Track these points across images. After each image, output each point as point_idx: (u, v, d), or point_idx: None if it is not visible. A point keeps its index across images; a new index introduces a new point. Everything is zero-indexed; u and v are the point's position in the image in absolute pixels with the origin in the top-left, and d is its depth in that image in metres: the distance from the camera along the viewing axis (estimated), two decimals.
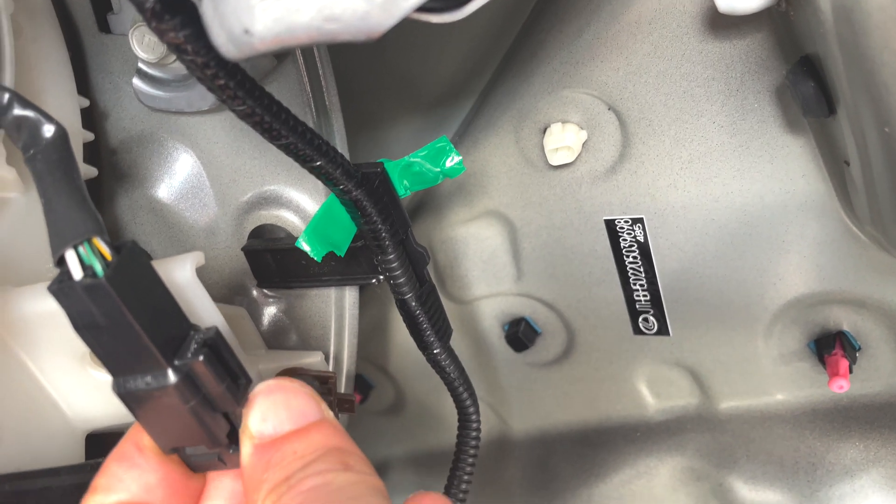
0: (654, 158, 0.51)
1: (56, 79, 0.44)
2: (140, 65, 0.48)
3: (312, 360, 0.49)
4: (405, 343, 0.71)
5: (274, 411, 0.30)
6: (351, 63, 0.58)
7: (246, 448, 0.29)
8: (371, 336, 0.72)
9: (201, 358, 0.31)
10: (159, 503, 0.32)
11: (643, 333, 0.61)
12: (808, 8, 0.35)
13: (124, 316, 0.29)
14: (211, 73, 0.33)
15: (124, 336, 0.30)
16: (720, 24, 0.43)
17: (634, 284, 0.58)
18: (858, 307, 0.53)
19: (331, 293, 0.54)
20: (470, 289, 0.64)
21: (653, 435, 0.66)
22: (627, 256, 0.56)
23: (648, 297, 0.58)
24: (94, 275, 0.29)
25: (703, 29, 0.44)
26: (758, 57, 0.44)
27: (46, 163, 0.31)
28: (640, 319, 0.60)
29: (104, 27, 0.48)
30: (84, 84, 0.49)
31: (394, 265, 0.46)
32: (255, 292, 0.54)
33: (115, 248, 0.30)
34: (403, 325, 0.69)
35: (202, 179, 0.52)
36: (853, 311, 0.53)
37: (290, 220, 0.52)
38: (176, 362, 0.31)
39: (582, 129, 0.51)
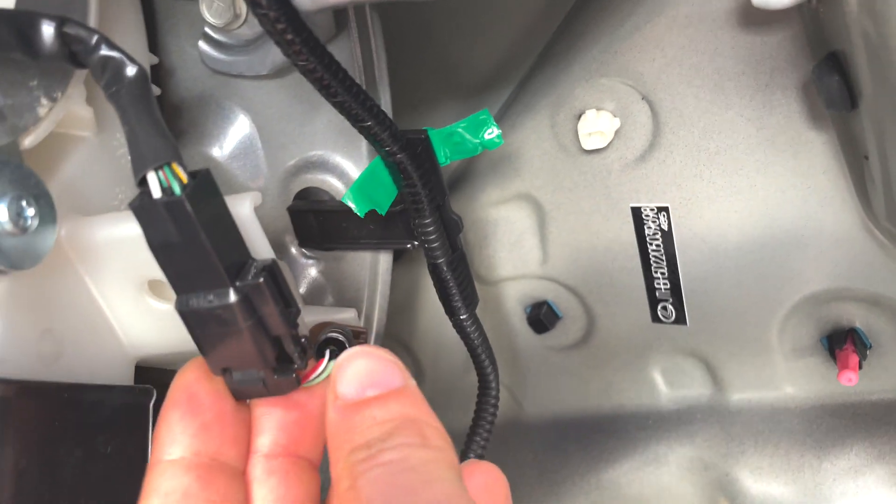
0: (682, 149, 0.53)
1: (130, 34, 0.48)
2: (206, 29, 0.52)
3: (346, 315, 0.52)
4: (430, 321, 0.73)
5: (357, 376, 0.31)
6: (399, 46, 0.61)
7: (330, 409, 0.30)
8: (396, 313, 0.75)
9: (261, 280, 0.34)
10: (216, 439, 0.33)
11: (661, 322, 0.63)
12: (836, 4, 0.37)
13: (197, 233, 0.33)
14: (281, 28, 0.36)
15: (194, 254, 0.34)
16: (753, 21, 0.46)
17: (656, 273, 0.60)
18: (872, 305, 0.55)
19: (366, 257, 0.57)
20: (496, 269, 0.67)
21: (664, 423, 0.68)
22: (651, 244, 0.59)
23: (668, 286, 0.60)
24: (173, 193, 0.32)
25: (736, 24, 0.47)
26: (787, 54, 0.46)
27: (130, 97, 0.34)
28: (660, 307, 0.62)
29: None
30: (153, 43, 0.53)
31: (430, 229, 0.49)
32: (294, 251, 0.57)
33: (191, 173, 0.33)
34: (428, 303, 0.72)
35: (255, 141, 0.55)
36: (867, 309, 0.55)
37: (334, 184, 0.55)
38: (237, 283, 0.35)
39: (615, 116, 0.54)
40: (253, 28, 0.51)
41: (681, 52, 0.49)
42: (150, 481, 0.31)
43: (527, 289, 0.68)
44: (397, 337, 0.77)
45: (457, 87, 0.64)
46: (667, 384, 0.67)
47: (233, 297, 0.34)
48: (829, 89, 0.41)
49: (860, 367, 0.55)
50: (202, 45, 0.52)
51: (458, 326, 0.54)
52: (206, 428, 0.34)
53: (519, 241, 0.65)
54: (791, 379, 0.60)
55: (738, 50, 0.48)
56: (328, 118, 0.54)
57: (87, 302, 0.41)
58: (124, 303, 0.42)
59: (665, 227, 0.57)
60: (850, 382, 0.54)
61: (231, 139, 0.55)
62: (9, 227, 0.33)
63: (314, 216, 0.55)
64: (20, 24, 0.34)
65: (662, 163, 0.54)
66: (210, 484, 0.31)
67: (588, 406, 0.72)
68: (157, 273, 0.40)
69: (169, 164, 0.33)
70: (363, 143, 0.54)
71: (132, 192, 0.46)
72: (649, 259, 0.60)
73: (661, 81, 0.51)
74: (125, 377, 0.44)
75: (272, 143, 0.55)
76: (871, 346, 0.56)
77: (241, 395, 0.37)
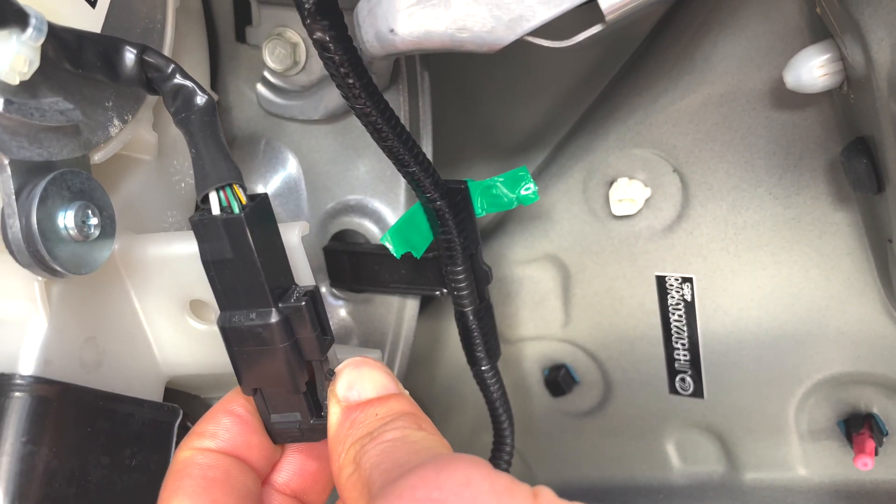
0: (710, 221, 0.55)
1: (195, 70, 0.51)
2: (265, 73, 0.55)
3: (371, 356, 0.53)
4: (445, 378, 0.74)
5: (359, 381, 0.35)
6: (443, 104, 0.64)
7: (334, 410, 0.34)
8: (413, 366, 0.75)
9: (303, 304, 0.36)
10: (250, 460, 0.36)
11: (678, 393, 0.63)
12: (866, 90, 0.40)
13: (251, 252, 0.34)
14: (344, 71, 0.39)
15: (244, 272, 0.35)
16: (786, 103, 0.48)
17: (676, 343, 0.61)
18: (891, 392, 0.55)
19: (393, 302, 0.58)
20: (517, 328, 0.68)
21: (675, 499, 0.68)
22: (673, 314, 0.60)
23: (688, 357, 0.61)
24: (232, 212, 0.34)
25: (770, 105, 0.49)
26: (817, 136, 0.48)
27: (199, 123, 0.37)
28: (678, 379, 0.63)
29: (241, 37, 0.55)
30: (214, 82, 0.56)
31: (460, 276, 0.50)
32: (324, 291, 0.59)
33: (250, 196, 0.36)
34: (445, 359, 0.73)
35: (299, 181, 0.57)
36: (885, 396, 0.55)
37: (370, 228, 0.57)
38: (280, 305, 0.36)
39: (647, 186, 0.56)
40: (309, 75, 0.54)
41: (714, 129, 0.52)
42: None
43: (546, 350, 0.68)
44: (412, 391, 0.78)
45: (494, 147, 0.67)
46: (680, 458, 0.67)
47: (275, 317, 0.36)
48: (857, 171, 0.43)
49: (875, 454, 0.55)
50: (260, 87, 0.55)
51: (479, 377, 0.55)
52: (248, 447, 0.36)
53: (542, 301, 0.66)
54: (806, 461, 0.60)
55: (771, 130, 0.50)
56: (370, 165, 0.57)
57: (130, 316, 0.43)
58: (164, 321, 0.43)
59: (688, 297, 0.58)
60: (865, 467, 0.53)
61: (277, 178, 0.58)
62: (73, 232, 0.35)
63: (348, 257, 0.57)
64: (106, 48, 0.37)
65: (690, 234, 0.56)
66: None
67: (599, 475, 0.72)
68: (199, 294, 0.43)
69: (230, 185, 0.35)
70: (401, 191, 0.57)
71: (183, 216, 0.49)
72: (671, 329, 0.61)
73: (693, 155, 0.53)
74: (156, 394, 0.45)
75: (315, 185, 0.57)
76: (887, 434, 0.56)
77: (279, 437, 0.39)
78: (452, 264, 0.50)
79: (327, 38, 0.37)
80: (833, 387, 0.57)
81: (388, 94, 0.54)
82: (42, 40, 0.33)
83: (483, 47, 0.33)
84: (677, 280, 0.58)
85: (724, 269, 0.56)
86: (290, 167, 0.58)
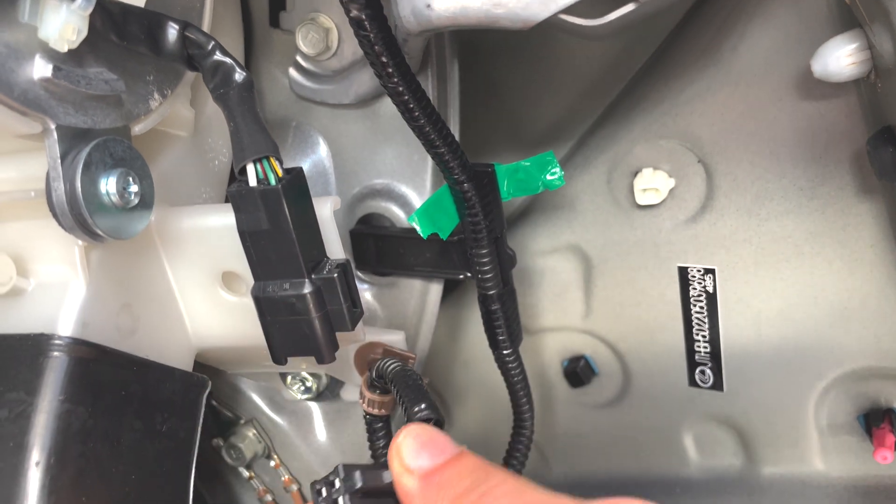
0: (733, 212, 0.55)
1: (232, 51, 0.52)
2: (298, 58, 0.56)
3: (394, 337, 0.54)
4: (466, 364, 0.74)
5: (426, 448, 0.35)
6: (470, 93, 0.65)
7: (411, 482, 0.34)
8: (432, 355, 0.76)
9: (336, 276, 0.37)
10: None
11: (698, 386, 0.63)
12: (895, 79, 0.40)
13: (287, 222, 0.35)
14: (378, 49, 0.40)
15: (279, 243, 0.36)
16: (812, 93, 0.49)
17: (697, 335, 0.61)
18: None
19: (417, 286, 0.59)
20: (538, 319, 0.69)
21: (692, 492, 0.68)
22: (695, 306, 0.60)
23: (708, 350, 0.61)
24: (269, 184, 0.35)
25: (796, 96, 0.49)
26: (843, 126, 0.49)
27: (237, 99, 0.38)
28: (697, 371, 0.63)
29: (275, 22, 0.56)
30: (247, 66, 0.57)
31: (485, 259, 0.51)
32: None
33: (286, 169, 0.37)
34: (465, 348, 0.74)
35: (328, 165, 0.58)
36: None
37: (396, 212, 0.58)
38: (313, 276, 0.37)
39: (671, 176, 0.56)
40: (341, 60, 0.55)
41: (740, 119, 0.52)
42: None
43: (566, 341, 0.69)
44: (433, 377, 0.79)
45: (519, 138, 0.67)
46: (698, 451, 0.67)
47: (308, 287, 0.37)
48: (883, 160, 0.43)
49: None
50: (293, 72, 0.56)
51: (501, 361, 0.55)
52: None
53: (563, 292, 0.66)
54: (825, 455, 0.60)
55: (796, 121, 0.50)
56: (398, 150, 0.57)
57: (163, 285, 0.44)
58: (197, 292, 0.44)
59: (710, 289, 0.59)
60: (885, 461, 0.53)
61: (306, 161, 0.59)
62: (115, 198, 0.36)
63: (374, 241, 0.58)
64: (150, 22, 0.38)
65: (713, 225, 0.56)
66: None
67: (615, 467, 0.72)
68: (232, 266, 0.44)
69: (267, 158, 0.36)
70: (428, 176, 0.57)
71: (216, 193, 0.50)
72: (692, 321, 0.61)
73: (718, 146, 0.54)
74: (186, 364, 0.46)
75: (343, 169, 0.58)
76: None
77: None
78: (478, 247, 0.51)
79: (363, 17, 0.38)
80: (854, 381, 0.57)
81: (419, 78, 0.55)
82: (90, 10, 0.34)
83: (517, 23, 0.34)
84: (699, 271, 0.59)
85: (746, 261, 0.56)
86: (320, 150, 0.59)
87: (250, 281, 0.42)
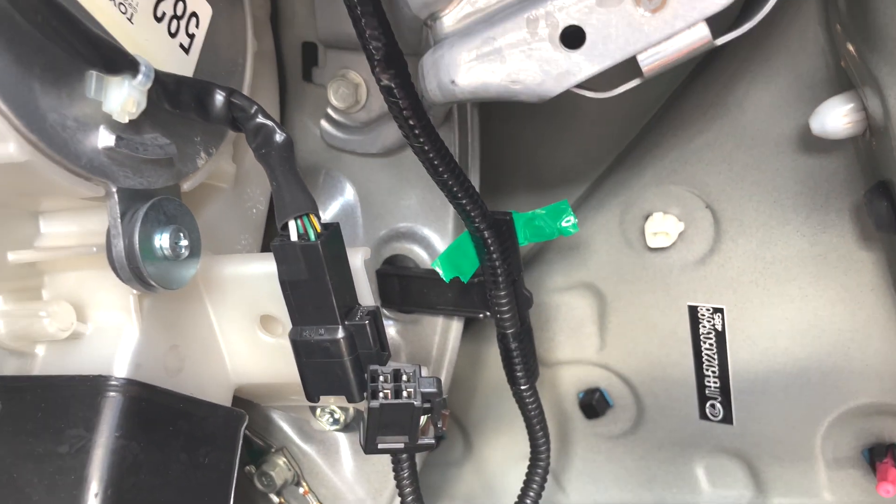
0: (740, 255, 0.58)
1: (267, 108, 0.56)
2: (329, 110, 0.60)
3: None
4: (485, 397, 0.77)
5: None
6: (488, 137, 0.68)
7: None
8: (452, 389, 0.79)
9: (367, 322, 0.40)
10: None
11: (708, 419, 0.66)
12: (886, 137, 0.43)
13: (324, 274, 0.39)
14: (407, 114, 0.43)
15: (317, 292, 0.40)
16: (812, 147, 0.52)
17: (707, 370, 0.64)
18: None
19: (439, 323, 0.62)
20: (554, 352, 0.72)
21: None
22: (704, 342, 0.63)
23: (718, 385, 0.64)
24: (309, 239, 0.39)
25: (797, 149, 0.52)
26: (842, 178, 0.52)
27: (278, 159, 0.42)
28: (708, 405, 0.65)
29: (307, 77, 0.60)
30: (281, 117, 0.61)
31: (503, 301, 0.54)
32: None
33: (324, 224, 0.40)
34: (484, 382, 0.77)
35: (356, 209, 0.62)
36: None
37: (419, 253, 0.61)
38: (346, 322, 0.41)
39: (680, 220, 0.59)
40: (369, 113, 0.59)
41: (745, 169, 0.55)
42: None
43: (581, 374, 0.72)
44: (453, 409, 0.81)
45: (535, 180, 0.71)
46: (709, 482, 0.69)
47: (341, 333, 0.40)
48: (879, 213, 0.46)
49: None
50: (324, 123, 0.60)
51: (518, 396, 0.58)
52: None
53: (579, 327, 0.69)
54: (831, 487, 0.62)
55: (798, 172, 0.53)
56: (421, 195, 0.61)
57: (206, 327, 0.47)
58: (237, 333, 0.48)
59: (719, 327, 0.61)
60: (887, 494, 0.56)
61: (335, 204, 0.63)
62: (168, 252, 0.40)
63: (399, 280, 0.61)
64: (199, 91, 0.42)
65: (721, 267, 0.59)
66: None
67: (630, 497, 0.75)
68: (269, 310, 0.47)
69: (307, 215, 0.40)
70: (449, 220, 0.61)
71: (255, 239, 0.53)
72: (702, 357, 0.64)
73: (725, 193, 0.57)
74: (226, 400, 0.49)
75: (370, 213, 0.62)
76: None
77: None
78: (496, 289, 0.54)
79: (393, 86, 0.42)
80: (858, 417, 0.59)
81: (442, 130, 0.59)
82: (149, 85, 0.38)
83: (533, 97, 0.37)
84: (709, 310, 0.61)
85: (753, 301, 0.59)
86: (348, 195, 0.62)
87: (286, 323, 0.46)
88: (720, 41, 0.36)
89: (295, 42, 0.60)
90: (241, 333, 0.48)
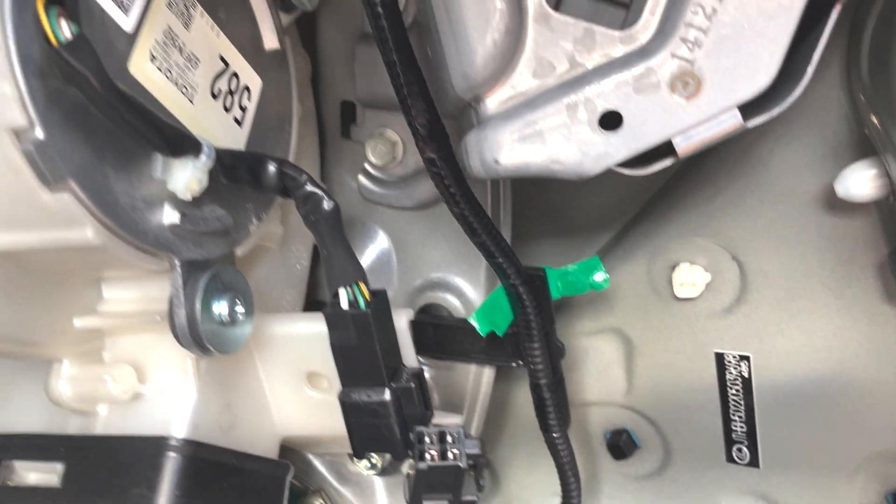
0: (766, 306, 0.60)
1: (310, 166, 0.59)
2: (366, 166, 0.62)
3: (453, 420, 0.59)
4: (513, 434, 0.79)
5: None
6: (519, 190, 0.70)
7: None
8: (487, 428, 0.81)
9: (412, 385, 0.42)
10: None
11: (735, 462, 0.67)
12: None
13: (373, 340, 0.41)
14: (447, 183, 0.46)
15: (365, 356, 0.42)
16: (836, 206, 0.53)
17: (734, 415, 0.65)
18: None
19: (472, 370, 0.64)
20: (582, 393, 0.73)
21: None
22: (731, 388, 0.64)
23: (745, 429, 0.65)
24: (359, 307, 0.41)
25: (822, 208, 0.54)
26: (866, 237, 0.53)
27: (327, 227, 0.44)
28: (735, 448, 0.67)
29: (346, 134, 0.63)
30: (320, 172, 0.64)
31: (537, 353, 0.56)
32: None
33: (372, 292, 0.42)
34: (512, 418, 0.78)
35: (391, 260, 0.64)
36: None
37: (452, 302, 0.63)
38: (392, 384, 0.43)
39: (707, 271, 0.61)
40: (405, 168, 0.61)
41: (770, 224, 0.57)
42: None
43: (609, 415, 0.73)
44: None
45: (563, 228, 0.73)
46: None
47: (388, 395, 0.43)
48: None
49: None
50: (361, 178, 0.62)
51: (550, 443, 0.60)
52: None
53: (606, 369, 0.71)
54: None
55: (823, 229, 0.55)
56: (455, 246, 0.63)
57: (256, 384, 0.50)
58: (284, 389, 0.50)
59: (746, 374, 0.63)
60: None
61: (371, 254, 0.65)
62: (225, 318, 0.42)
63: (433, 329, 0.63)
64: (253, 163, 0.45)
65: (747, 316, 0.61)
66: None
67: None
68: (316, 367, 0.49)
69: (357, 283, 0.42)
70: (482, 270, 0.63)
71: (298, 294, 0.56)
72: (728, 402, 0.65)
73: (751, 246, 0.59)
74: (272, 452, 0.51)
75: (405, 262, 0.64)
76: None
77: None
78: (530, 341, 0.56)
79: (436, 157, 0.44)
80: (882, 462, 0.61)
81: (475, 186, 0.61)
82: (211, 165, 0.40)
83: (573, 176, 0.39)
84: (735, 358, 0.63)
85: (779, 350, 0.61)
86: (383, 244, 0.65)
87: (332, 379, 0.48)
88: (752, 124, 0.38)
89: (334, 101, 0.62)
90: (288, 389, 0.50)
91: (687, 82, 0.36)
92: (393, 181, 0.62)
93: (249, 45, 0.48)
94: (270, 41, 0.49)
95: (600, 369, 0.71)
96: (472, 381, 0.64)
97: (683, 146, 0.37)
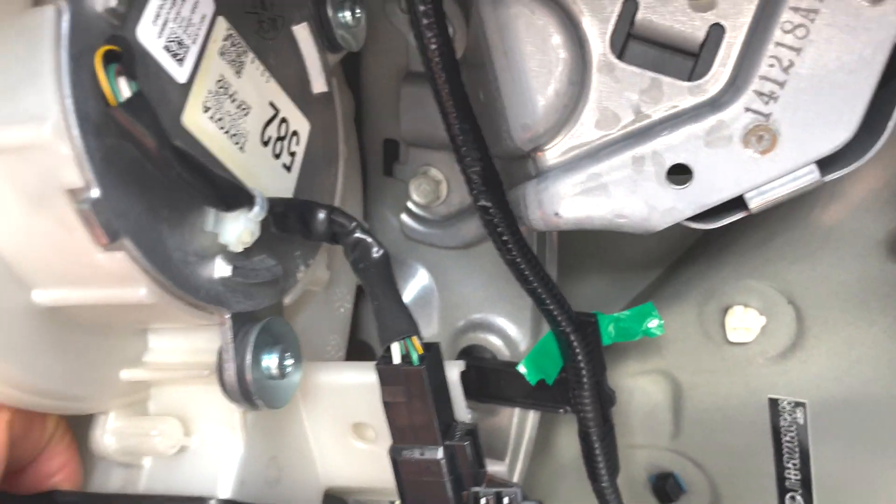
0: (824, 353, 0.58)
1: (353, 206, 0.58)
2: (409, 205, 0.61)
3: (497, 469, 0.57)
4: (555, 472, 0.77)
5: None
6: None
7: None
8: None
9: (467, 444, 0.41)
10: None
11: None
12: None
13: (427, 398, 0.40)
14: (500, 231, 0.44)
15: (417, 413, 0.41)
16: None
17: (787, 463, 0.63)
18: None
19: (515, 414, 0.63)
20: (626, 435, 0.71)
21: None
22: (785, 435, 0.62)
23: (799, 477, 0.63)
24: (411, 363, 0.40)
25: (884, 253, 0.52)
26: None
27: (377, 276, 0.43)
28: (787, 497, 0.64)
29: (388, 172, 0.62)
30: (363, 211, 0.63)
31: (586, 401, 0.54)
32: None
33: (424, 345, 0.41)
34: (554, 456, 0.76)
35: (433, 299, 0.63)
36: None
37: (496, 343, 0.62)
38: (446, 442, 0.41)
39: (762, 315, 0.59)
40: (449, 207, 0.60)
41: (829, 269, 0.55)
42: None
43: (654, 457, 0.71)
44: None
45: (608, 263, 0.71)
46: None
47: (441, 454, 0.41)
48: None
49: None
50: (404, 217, 0.61)
51: (599, 492, 0.58)
52: None
53: (652, 412, 0.69)
54: None
55: (886, 275, 0.53)
56: (499, 286, 0.62)
57: (301, 435, 0.48)
58: (329, 439, 0.49)
59: (801, 421, 0.61)
60: None
61: (411, 293, 0.64)
62: (275, 372, 0.41)
63: (476, 372, 0.61)
64: (303, 211, 0.43)
65: (804, 362, 0.59)
66: None
67: None
68: (362, 417, 0.48)
69: (409, 337, 0.41)
70: (527, 311, 0.62)
71: (342, 338, 0.55)
72: (782, 449, 0.63)
73: (808, 291, 0.56)
74: (315, 502, 0.50)
75: (448, 302, 0.63)
76: None
77: None
78: (580, 388, 0.54)
79: (489, 205, 0.43)
80: None
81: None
82: (264, 216, 0.39)
83: (639, 230, 0.38)
84: (790, 404, 0.61)
85: (836, 398, 0.58)
86: (426, 284, 0.63)
87: (378, 429, 0.47)
88: (829, 178, 0.36)
89: (376, 139, 0.61)
90: (334, 439, 0.49)
91: (761, 136, 0.34)
92: (436, 220, 0.61)
93: (297, 88, 0.47)
94: (319, 84, 0.48)
95: (646, 411, 0.69)
96: (515, 425, 0.63)
97: (757, 202, 0.36)
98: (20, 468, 0.40)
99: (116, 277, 0.34)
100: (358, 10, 0.51)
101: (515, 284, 0.61)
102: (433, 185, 0.59)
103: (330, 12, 0.49)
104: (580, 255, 0.71)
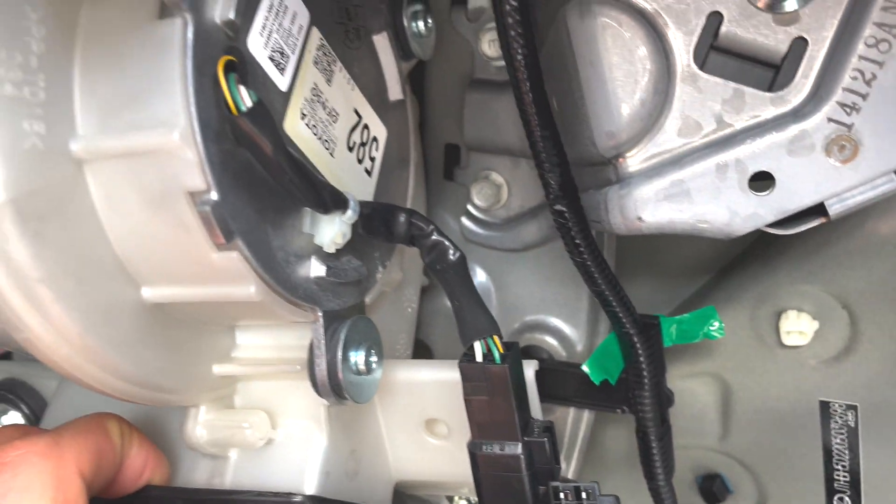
0: (878, 357, 0.59)
1: (419, 209, 0.59)
2: (470, 208, 0.63)
3: None
4: (604, 477, 0.78)
5: None
6: None
7: None
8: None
9: (545, 440, 0.42)
10: None
11: None
12: None
13: (508, 394, 0.41)
14: (574, 233, 0.46)
15: (498, 409, 0.42)
16: None
17: (836, 465, 0.64)
18: None
19: (570, 413, 0.64)
20: (674, 437, 0.72)
21: None
22: (836, 438, 0.63)
23: (848, 479, 0.64)
24: (494, 361, 0.41)
25: None
26: None
27: (456, 278, 0.44)
28: (836, 498, 0.65)
29: (449, 176, 0.63)
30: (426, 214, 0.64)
31: (646, 402, 0.56)
32: None
33: (505, 344, 0.42)
34: (601, 464, 0.78)
35: (490, 300, 0.65)
36: None
37: (552, 344, 0.63)
38: (525, 438, 0.43)
39: (815, 319, 0.60)
40: (509, 210, 0.62)
41: (887, 275, 0.56)
42: None
43: (701, 458, 0.72)
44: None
45: (658, 269, 0.72)
46: None
47: (521, 449, 0.42)
48: None
49: None
50: (465, 220, 0.63)
51: (654, 491, 0.59)
52: None
53: (701, 413, 0.70)
54: None
55: None
56: (556, 288, 0.63)
57: (376, 430, 0.50)
58: (402, 435, 0.51)
59: (852, 423, 0.62)
60: None
61: None
62: (362, 368, 0.43)
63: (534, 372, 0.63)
64: (386, 214, 0.45)
65: (857, 366, 0.60)
66: None
67: None
68: (435, 414, 0.50)
69: (491, 336, 0.42)
70: (583, 312, 0.63)
71: (409, 339, 0.56)
72: (832, 451, 0.64)
73: (864, 297, 0.58)
74: (387, 498, 0.52)
75: (505, 303, 0.64)
76: None
77: None
78: (640, 389, 0.55)
79: (565, 210, 0.44)
80: None
81: None
82: (356, 219, 0.41)
83: (720, 235, 0.39)
84: (841, 406, 0.62)
85: (890, 403, 0.59)
86: (484, 285, 0.65)
87: (451, 425, 0.49)
88: None
89: (438, 143, 0.63)
90: (406, 434, 0.50)
91: (843, 146, 0.36)
92: (497, 223, 0.62)
93: (376, 96, 0.49)
94: (395, 92, 0.50)
95: (694, 413, 0.70)
96: (570, 424, 0.64)
97: (837, 208, 0.37)
98: (113, 478, 0.41)
99: (228, 276, 0.35)
100: (430, 20, 0.53)
101: (571, 286, 0.63)
102: (494, 189, 0.61)
103: (405, 22, 0.51)
104: (633, 257, 0.72)
